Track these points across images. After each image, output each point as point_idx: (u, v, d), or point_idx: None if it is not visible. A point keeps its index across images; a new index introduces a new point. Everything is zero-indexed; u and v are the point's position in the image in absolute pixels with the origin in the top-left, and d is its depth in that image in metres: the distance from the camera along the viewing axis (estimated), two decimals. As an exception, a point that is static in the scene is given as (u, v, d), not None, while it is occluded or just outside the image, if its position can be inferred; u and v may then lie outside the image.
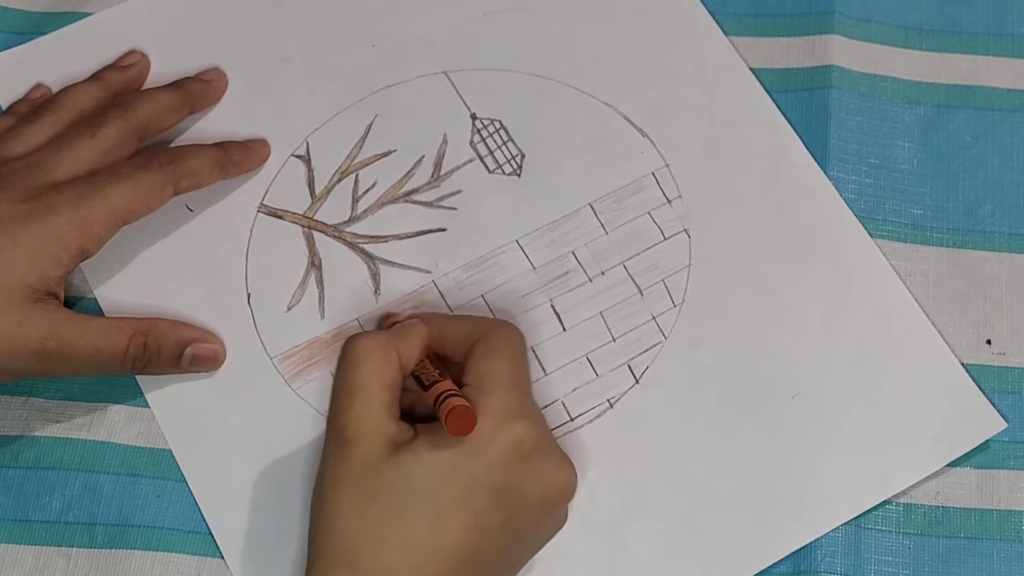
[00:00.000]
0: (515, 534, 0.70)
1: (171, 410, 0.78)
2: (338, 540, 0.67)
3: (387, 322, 0.80)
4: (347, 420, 0.69)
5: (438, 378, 0.71)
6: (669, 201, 0.83)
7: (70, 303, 0.80)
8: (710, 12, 0.88)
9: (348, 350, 0.71)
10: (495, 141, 0.84)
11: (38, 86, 0.84)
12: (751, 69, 0.87)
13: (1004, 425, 0.79)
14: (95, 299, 0.80)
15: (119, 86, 0.83)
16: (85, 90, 0.81)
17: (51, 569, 0.75)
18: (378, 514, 0.67)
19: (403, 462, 0.68)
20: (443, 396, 0.69)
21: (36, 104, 0.81)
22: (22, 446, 0.78)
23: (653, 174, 0.84)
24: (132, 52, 0.85)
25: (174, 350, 0.76)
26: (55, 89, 0.83)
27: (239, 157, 0.82)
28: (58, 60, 0.85)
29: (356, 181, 0.83)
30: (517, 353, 0.73)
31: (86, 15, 0.87)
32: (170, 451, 0.77)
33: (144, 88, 0.83)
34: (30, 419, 0.78)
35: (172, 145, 0.82)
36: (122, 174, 0.75)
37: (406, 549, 0.67)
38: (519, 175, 0.83)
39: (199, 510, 0.76)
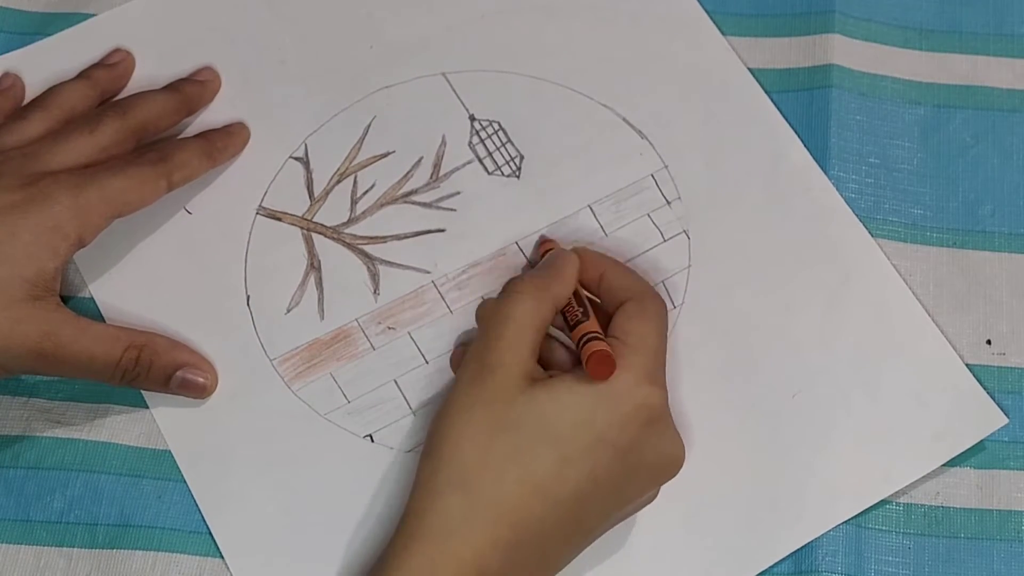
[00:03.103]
0: (622, 496, 0.71)
1: (171, 412, 0.78)
2: (457, 462, 0.68)
3: (542, 248, 0.80)
4: (493, 349, 0.70)
5: (582, 318, 0.72)
6: (668, 203, 0.83)
7: (66, 300, 0.80)
8: (711, 12, 0.88)
9: (509, 288, 0.73)
10: (494, 143, 0.84)
11: (7, 75, 0.84)
12: (751, 69, 0.87)
13: (1005, 420, 0.79)
14: (93, 300, 0.80)
15: (106, 83, 0.83)
16: (74, 88, 0.81)
17: (52, 569, 0.75)
18: (504, 445, 0.68)
19: (538, 397, 0.69)
20: (587, 337, 0.70)
21: (10, 93, 0.82)
22: (23, 446, 0.78)
23: (652, 176, 0.84)
24: (118, 50, 0.85)
25: (164, 370, 0.76)
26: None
27: (223, 143, 0.82)
28: (56, 63, 0.85)
29: (355, 182, 0.83)
30: (664, 324, 0.74)
31: (87, 16, 0.87)
32: (171, 452, 0.78)
33: (140, 91, 0.83)
34: (31, 419, 0.78)
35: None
36: (116, 167, 0.76)
37: (523, 486, 0.68)
38: (518, 176, 0.83)
39: (199, 511, 0.76)
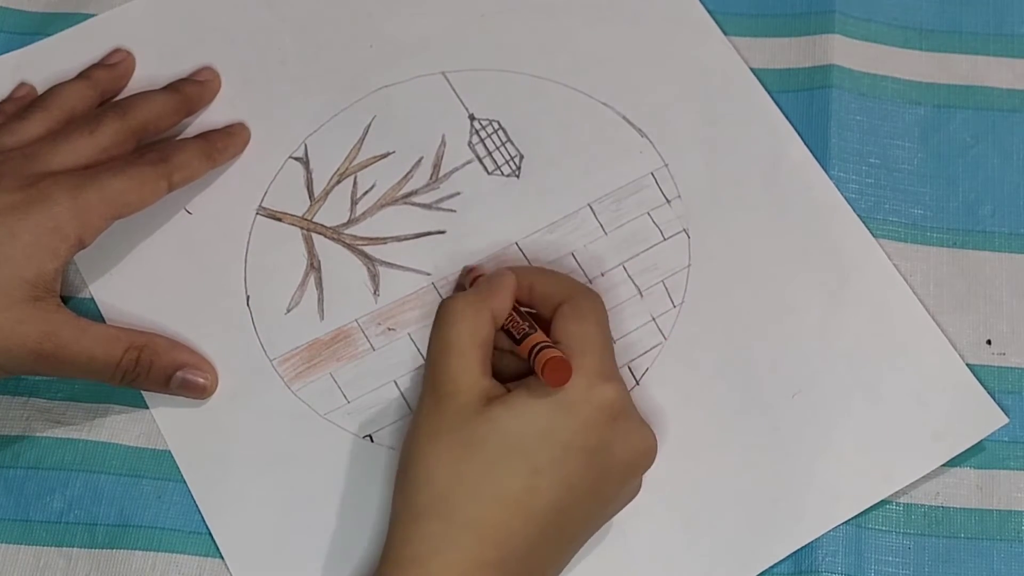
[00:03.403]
0: (600, 497, 0.71)
1: (171, 412, 0.78)
2: (431, 490, 0.68)
3: (470, 276, 0.80)
4: (444, 376, 0.70)
5: (529, 331, 0.72)
6: (668, 201, 0.83)
7: (66, 300, 0.80)
8: (712, 12, 0.88)
9: (442, 311, 0.72)
10: (494, 142, 0.84)
11: (22, 85, 0.84)
12: (752, 69, 0.87)
13: (1005, 420, 0.79)
14: (93, 300, 0.80)
15: (107, 83, 0.83)
16: (74, 88, 0.81)
17: (52, 569, 0.75)
18: (473, 467, 0.68)
19: (497, 415, 0.69)
20: (538, 347, 0.70)
21: (23, 102, 0.82)
22: (23, 446, 0.78)
23: (652, 174, 0.84)
24: (118, 50, 0.85)
25: (165, 371, 0.76)
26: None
27: (223, 143, 0.82)
28: (57, 63, 0.85)
29: (355, 183, 0.83)
30: (603, 318, 0.74)
31: (87, 16, 0.87)
32: (171, 452, 0.78)
33: (140, 91, 0.83)
34: (31, 419, 0.78)
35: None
36: (116, 168, 0.76)
37: (499, 503, 0.68)
38: (518, 176, 0.83)
39: (199, 511, 0.76)
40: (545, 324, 0.74)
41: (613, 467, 0.70)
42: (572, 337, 0.71)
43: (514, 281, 0.75)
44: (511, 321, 0.73)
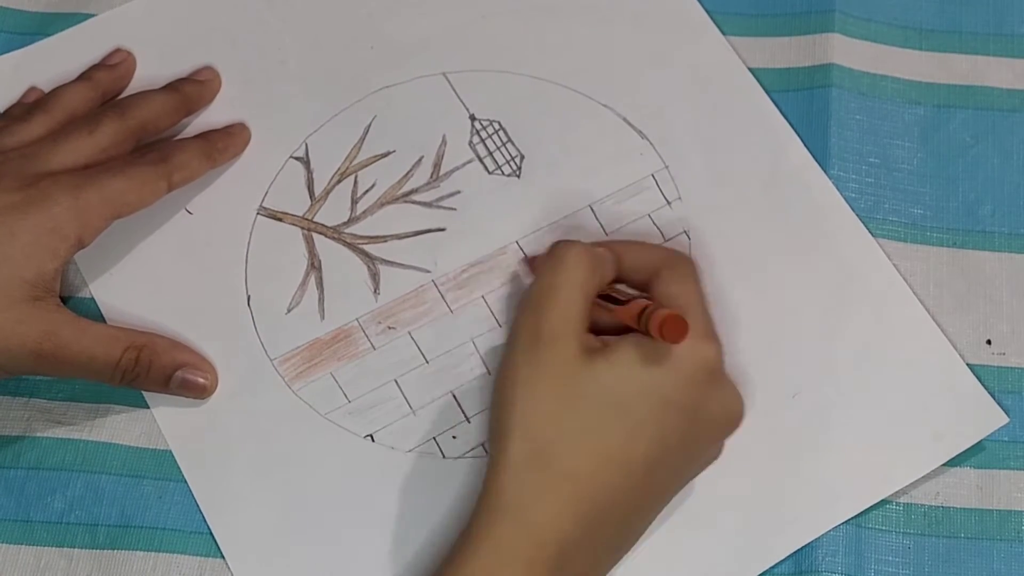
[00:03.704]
0: (690, 454, 0.71)
1: (171, 412, 0.78)
2: (530, 437, 0.68)
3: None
4: (547, 319, 0.70)
5: (634, 295, 0.72)
6: (669, 203, 0.83)
7: (66, 300, 0.80)
8: (711, 12, 0.88)
9: (559, 252, 0.72)
10: (494, 142, 0.84)
11: (32, 89, 0.84)
12: (752, 69, 0.87)
13: (1005, 420, 0.79)
14: (93, 300, 0.80)
15: (108, 84, 0.83)
16: (75, 89, 0.81)
17: (52, 570, 0.75)
18: (574, 419, 0.68)
19: (599, 369, 0.69)
20: (650, 308, 0.70)
21: (29, 106, 0.82)
22: (24, 447, 0.78)
23: (652, 176, 0.84)
24: (118, 50, 0.85)
25: (164, 370, 0.76)
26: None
27: (223, 144, 0.83)
28: (57, 63, 0.85)
29: (355, 182, 0.83)
30: (700, 280, 0.74)
31: (87, 16, 0.87)
32: (172, 452, 0.78)
33: (140, 91, 0.83)
34: (32, 420, 0.78)
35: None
36: (116, 168, 0.76)
37: (597, 457, 0.68)
38: (518, 176, 0.83)
39: (200, 512, 0.76)
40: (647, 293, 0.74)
41: (705, 425, 0.71)
42: (675, 299, 0.72)
43: (613, 254, 0.75)
44: (613, 290, 0.74)
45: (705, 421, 0.71)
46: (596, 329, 0.73)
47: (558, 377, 0.69)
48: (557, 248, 0.73)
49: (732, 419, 0.72)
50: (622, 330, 0.71)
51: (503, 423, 0.70)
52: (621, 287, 0.74)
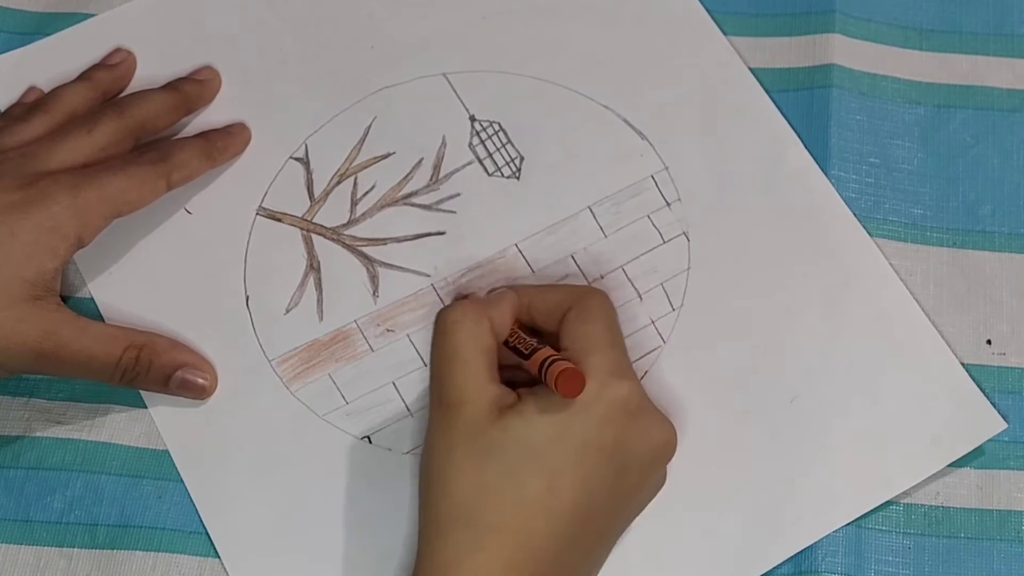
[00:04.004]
0: (622, 494, 0.71)
1: (169, 412, 0.78)
2: (453, 499, 0.69)
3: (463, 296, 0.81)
4: (450, 386, 0.70)
5: (537, 346, 0.72)
6: (668, 204, 0.83)
7: (66, 300, 0.80)
8: (711, 12, 0.88)
9: (440, 321, 0.73)
10: (494, 143, 0.84)
11: (32, 89, 0.84)
12: (752, 69, 0.87)
13: (1004, 425, 0.78)
14: (93, 300, 0.80)
15: (108, 84, 0.83)
16: (75, 89, 0.81)
17: (52, 569, 0.76)
18: (492, 473, 0.68)
19: (511, 424, 0.69)
20: (549, 361, 0.70)
21: (29, 106, 0.82)
22: (23, 447, 0.78)
23: (652, 177, 0.83)
24: (119, 50, 0.85)
25: (164, 370, 0.76)
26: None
27: (223, 143, 0.82)
28: (57, 63, 0.85)
29: (355, 183, 0.83)
30: (611, 316, 0.74)
31: (87, 15, 0.87)
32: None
33: (140, 90, 0.83)
34: (32, 420, 0.78)
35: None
36: (115, 166, 0.76)
37: (521, 508, 0.68)
38: (518, 178, 0.83)
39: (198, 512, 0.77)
40: (552, 339, 0.73)
41: (632, 462, 0.70)
42: (580, 339, 0.72)
43: (514, 296, 0.75)
44: (516, 338, 0.74)
45: (629, 459, 0.70)
46: (514, 380, 0.73)
47: (470, 437, 0.69)
48: (439, 315, 0.73)
49: (660, 450, 0.72)
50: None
51: (430, 491, 0.70)
52: (525, 337, 0.74)
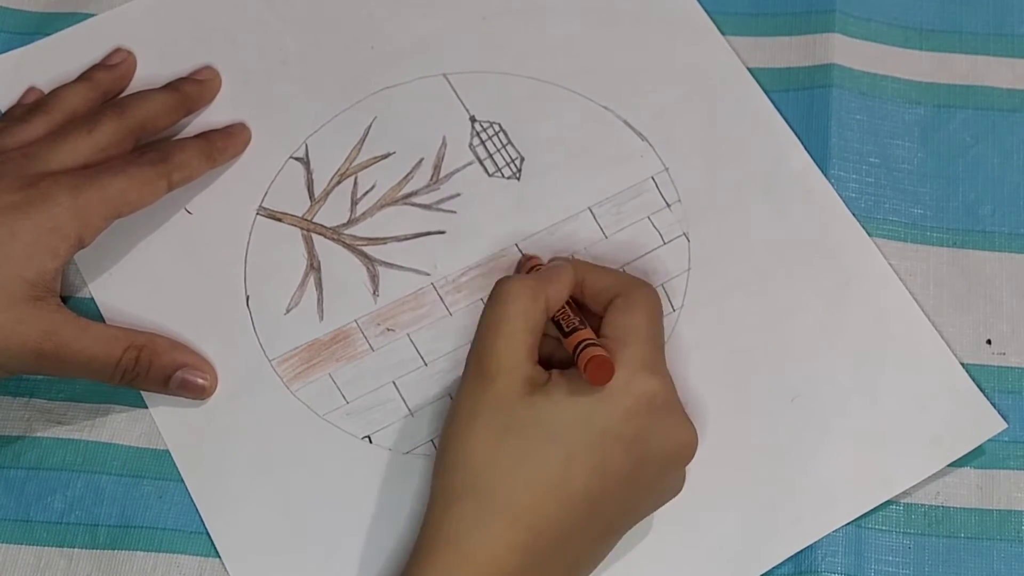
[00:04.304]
0: (636, 487, 0.71)
1: (170, 413, 0.78)
2: (467, 470, 0.69)
3: (527, 265, 0.81)
4: (490, 354, 0.71)
5: (578, 326, 0.73)
6: (668, 205, 0.83)
7: (66, 300, 0.80)
8: (710, 13, 0.88)
9: (498, 289, 0.73)
10: (494, 144, 0.84)
11: (31, 90, 0.84)
12: (752, 69, 0.87)
13: (1004, 425, 0.78)
14: (93, 300, 0.80)
15: (108, 84, 0.83)
16: (75, 90, 0.81)
17: (53, 570, 0.76)
18: (509, 450, 0.68)
19: (538, 402, 0.69)
20: (583, 344, 0.70)
21: (30, 107, 0.82)
22: (24, 447, 0.78)
23: (652, 178, 0.84)
24: (119, 50, 0.85)
25: (164, 370, 0.76)
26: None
27: (223, 144, 0.83)
28: (57, 63, 0.85)
29: (355, 183, 0.83)
30: (655, 311, 0.74)
31: (87, 15, 0.87)
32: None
33: (140, 90, 0.83)
34: (32, 420, 0.78)
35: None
36: (116, 167, 0.76)
37: (533, 487, 0.68)
38: (518, 178, 0.83)
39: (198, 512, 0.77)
40: (596, 321, 0.74)
41: (650, 458, 0.70)
42: (620, 329, 0.72)
43: (572, 273, 0.75)
44: (562, 313, 0.74)
45: (647, 453, 0.70)
46: (552, 361, 0.74)
47: (497, 410, 0.69)
48: (498, 284, 0.73)
49: (679, 452, 0.72)
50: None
51: (445, 457, 0.70)
52: (571, 315, 0.74)
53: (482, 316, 0.73)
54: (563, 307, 0.74)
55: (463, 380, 0.72)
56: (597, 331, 0.73)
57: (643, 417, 0.70)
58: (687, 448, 0.72)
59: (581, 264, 0.78)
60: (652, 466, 0.71)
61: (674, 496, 0.74)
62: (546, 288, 0.73)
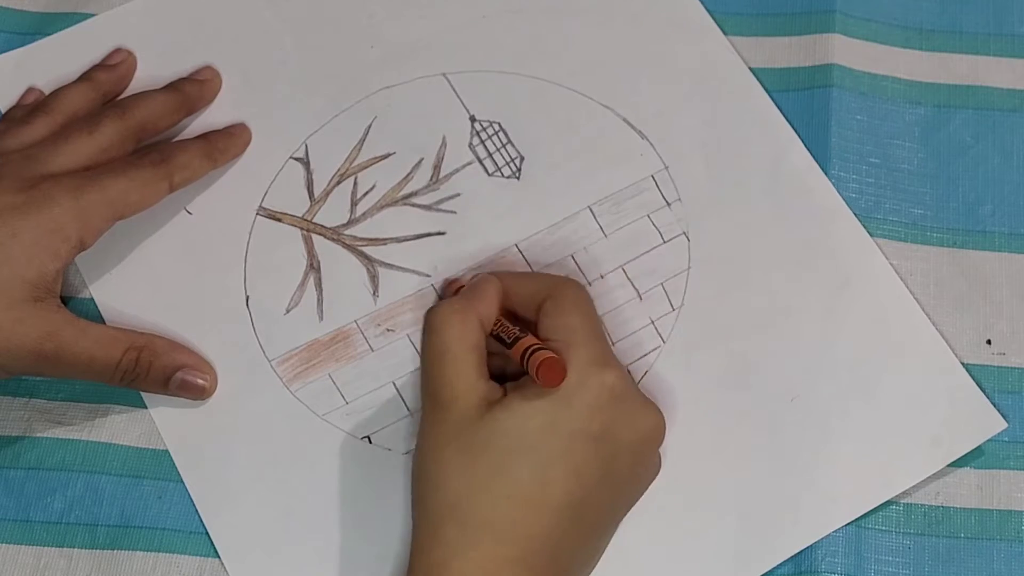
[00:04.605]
0: (614, 483, 0.71)
1: (169, 413, 0.78)
2: (444, 497, 0.69)
3: (451, 288, 0.80)
4: (440, 384, 0.71)
5: (519, 334, 0.72)
6: (668, 204, 0.83)
7: (66, 301, 0.80)
8: (711, 12, 0.88)
9: (429, 320, 0.73)
10: (494, 144, 0.84)
11: (31, 90, 0.84)
12: (752, 69, 0.87)
13: (1004, 425, 0.79)
14: (93, 300, 0.80)
15: (109, 85, 0.83)
16: (76, 90, 0.81)
17: (52, 570, 0.76)
18: (482, 469, 0.69)
19: (499, 417, 0.69)
20: (530, 351, 0.70)
21: (30, 108, 0.81)
22: (24, 447, 0.78)
23: (652, 177, 0.84)
24: (119, 50, 0.85)
25: (164, 371, 0.76)
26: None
27: (224, 144, 0.83)
28: (56, 63, 0.85)
29: (355, 183, 0.83)
30: (587, 307, 0.74)
31: (87, 15, 0.87)
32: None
33: (141, 90, 0.83)
34: (32, 420, 0.78)
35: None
36: (117, 169, 0.76)
37: (511, 501, 0.68)
38: (518, 178, 0.83)
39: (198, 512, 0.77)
40: (532, 327, 0.74)
41: (622, 449, 0.71)
42: (559, 332, 0.72)
43: (498, 284, 0.75)
44: (500, 326, 0.74)
45: (617, 446, 0.70)
46: (504, 376, 0.73)
47: (461, 433, 0.70)
48: (428, 315, 0.74)
49: (649, 437, 0.72)
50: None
51: (421, 487, 0.70)
52: (508, 326, 0.74)
53: (422, 349, 0.74)
54: (498, 320, 0.74)
55: (423, 415, 0.72)
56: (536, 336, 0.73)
57: (606, 411, 0.70)
58: (655, 431, 0.72)
59: (503, 274, 0.78)
60: (625, 457, 0.71)
61: (654, 479, 0.74)
62: (476, 306, 0.73)
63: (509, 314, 0.75)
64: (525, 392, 0.70)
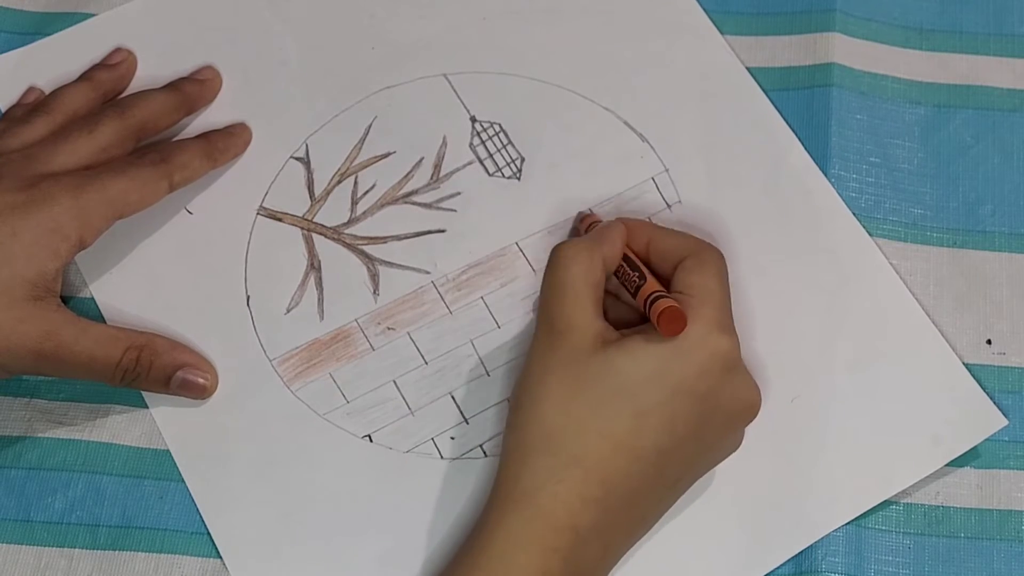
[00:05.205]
0: (701, 444, 0.72)
1: (170, 413, 0.78)
2: (540, 426, 0.70)
3: (584, 223, 0.81)
4: (559, 314, 0.72)
5: (639, 281, 0.73)
6: (669, 206, 0.83)
7: (66, 300, 0.80)
8: (711, 12, 0.88)
9: (555, 255, 0.74)
10: (495, 144, 0.84)
11: (31, 89, 0.84)
12: (752, 68, 0.87)
13: (1005, 422, 0.79)
14: (93, 300, 0.80)
15: (109, 85, 0.83)
16: (76, 90, 0.81)
17: (53, 570, 0.75)
18: (581, 405, 0.69)
19: (611, 357, 0.70)
20: (653, 296, 0.71)
21: (31, 107, 0.82)
22: (25, 447, 0.78)
23: (653, 179, 0.84)
24: (119, 50, 0.86)
25: (164, 370, 0.76)
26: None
27: (224, 144, 0.83)
28: (56, 63, 0.85)
29: (355, 183, 0.83)
30: (724, 273, 0.74)
31: (87, 15, 0.87)
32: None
33: (140, 90, 0.83)
34: (33, 420, 0.78)
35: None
36: (117, 168, 0.76)
37: (603, 441, 0.69)
38: (519, 178, 0.83)
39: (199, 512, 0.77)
40: (664, 280, 0.74)
41: (717, 415, 0.71)
42: (693, 288, 0.72)
43: (624, 230, 0.76)
44: (622, 272, 0.75)
45: (715, 410, 0.71)
46: (616, 323, 0.74)
47: (570, 365, 0.70)
48: (555, 250, 0.74)
49: (745, 411, 0.73)
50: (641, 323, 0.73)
51: (518, 413, 0.71)
52: (631, 271, 0.75)
53: (544, 281, 0.74)
54: (621, 265, 0.75)
55: (534, 340, 0.73)
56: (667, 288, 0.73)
57: (715, 375, 0.70)
58: (752, 408, 0.73)
59: (644, 224, 0.78)
60: (718, 423, 0.72)
61: (732, 454, 0.75)
62: (600, 248, 0.74)
63: (630, 261, 0.76)
64: (644, 338, 0.70)
